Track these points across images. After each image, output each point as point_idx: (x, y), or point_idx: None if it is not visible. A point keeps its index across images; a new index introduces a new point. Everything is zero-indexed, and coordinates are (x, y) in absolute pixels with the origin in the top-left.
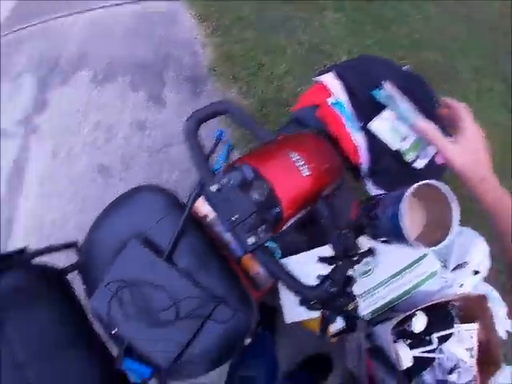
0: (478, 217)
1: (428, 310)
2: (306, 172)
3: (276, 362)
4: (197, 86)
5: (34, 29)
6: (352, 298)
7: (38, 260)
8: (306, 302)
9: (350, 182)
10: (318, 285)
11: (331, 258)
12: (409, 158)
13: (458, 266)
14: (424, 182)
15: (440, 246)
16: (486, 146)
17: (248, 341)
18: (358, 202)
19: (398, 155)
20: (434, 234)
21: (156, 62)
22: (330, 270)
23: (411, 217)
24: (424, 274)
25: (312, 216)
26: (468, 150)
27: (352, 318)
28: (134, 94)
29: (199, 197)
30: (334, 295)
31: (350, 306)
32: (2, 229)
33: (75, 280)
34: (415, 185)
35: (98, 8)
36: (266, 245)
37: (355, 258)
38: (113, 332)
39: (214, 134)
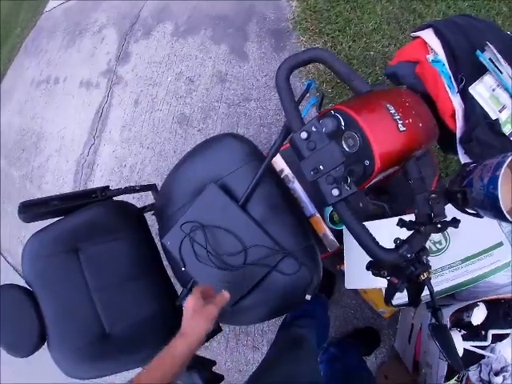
0: None
1: (489, 304)
2: (402, 127)
3: (327, 326)
4: (280, 41)
5: None
6: (427, 266)
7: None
8: (374, 267)
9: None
10: (394, 248)
11: (413, 222)
12: (506, 130)
13: None
14: None
15: None
16: None
17: (309, 297)
18: (438, 174)
19: (494, 125)
20: None
21: (238, 15)
22: (409, 235)
23: (506, 188)
24: (495, 264)
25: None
26: None
27: (419, 290)
28: (216, 47)
29: (281, 146)
30: (408, 262)
31: (424, 276)
32: (83, 170)
33: (152, 221)
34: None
35: None
36: (349, 199)
37: (439, 226)
38: (182, 269)
39: (304, 84)
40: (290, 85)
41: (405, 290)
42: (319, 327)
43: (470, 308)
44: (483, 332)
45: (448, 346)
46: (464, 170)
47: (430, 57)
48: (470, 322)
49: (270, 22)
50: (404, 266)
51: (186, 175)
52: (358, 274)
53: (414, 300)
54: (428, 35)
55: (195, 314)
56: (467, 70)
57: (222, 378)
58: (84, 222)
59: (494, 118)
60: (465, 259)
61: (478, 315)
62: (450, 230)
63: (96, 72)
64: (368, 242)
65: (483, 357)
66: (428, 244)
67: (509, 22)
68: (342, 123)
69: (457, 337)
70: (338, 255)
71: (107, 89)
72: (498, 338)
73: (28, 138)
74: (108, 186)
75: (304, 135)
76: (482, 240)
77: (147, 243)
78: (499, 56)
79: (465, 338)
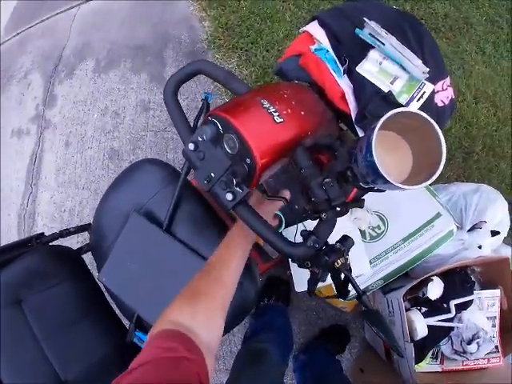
0: (495, 173)
1: (445, 276)
2: (279, 119)
3: (289, 334)
4: None
5: (34, 29)
6: (341, 253)
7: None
8: (297, 260)
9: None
10: (302, 241)
11: (315, 211)
12: (403, 99)
13: (475, 227)
14: (397, 110)
15: (428, 182)
16: None
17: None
18: None
19: (388, 97)
20: (421, 172)
21: (155, 42)
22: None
23: (396, 156)
24: (438, 235)
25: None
26: None
27: (339, 277)
28: (137, 77)
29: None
30: (319, 251)
31: (339, 263)
32: (26, 221)
33: (92, 261)
34: (388, 113)
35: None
36: (246, 201)
37: (339, 209)
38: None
39: (201, 96)
40: (177, 100)
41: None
42: (280, 338)
43: (423, 284)
44: (445, 305)
45: (384, 330)
46: (351, 146)
47: (313, 46)
48: (429, 298)
49: (186, 44)
50: (318, 256)
51: (111, 207)
52: (305, 275)
53: (339, 289)
54: (313, 27)
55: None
56: (352, 50)
57: None
58: (21, 271)
59: (386, 91)
60: (406, 238)
61: (433, 290)
62: (387, 212)
63: (25, 119)
64: (275, 240)
65: (452, 329)
66: (367, 230)
67: (417, 5)
68: (220, 127)
69: (417, 315)
70: (286, 261)
71: (38, 134)
72: (462, 307)
73: None
74: (43, 233)
75: (191, 146)
76: (419, 215)
77: (88, 283)
78: (379, 29)
79: (427, 314)
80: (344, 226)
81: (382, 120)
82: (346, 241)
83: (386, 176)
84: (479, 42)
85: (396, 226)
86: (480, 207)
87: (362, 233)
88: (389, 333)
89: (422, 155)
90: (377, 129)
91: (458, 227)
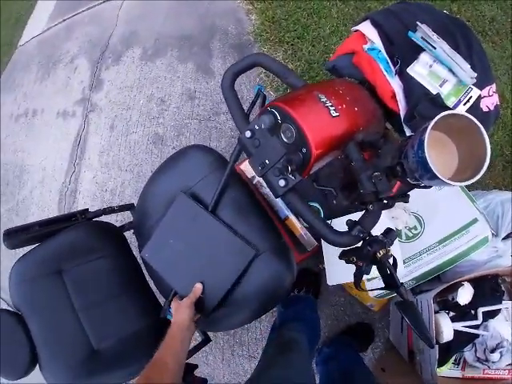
0: None
1: (475, 282)
2: (335, 113)
3: (317, 327)
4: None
5: (80, 17)
6: (383, 244)
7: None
8: (343, 255)
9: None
10: (347, 230)
11: (362, 202)
12: (450, 102)
13: (510, 236)
14: (449, 111)
15: (472, 180)
16: None
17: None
18: None
19: (437, 99)
20: (466, 172)
21: (202, 33)
22: (360, 216)
23: (443, 155)
24: (473, 240)
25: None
26: None
27: (385, 269)
28: (183, 66)
29: (241, 152)
30: (364, 242)
31: (380, 254)
32: (67, 199)
33: (131, 239)
34: (440, 114)
35: None
36: (296, 188)
37: (386, 201)
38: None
39: (254, 89)
40: (234, 91)
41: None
42: (309, 329)
43: (454, 288)
44: (473, 311)
45: (416, 321)
46: (401, 143)
47: (366, 46)
48: (458, 303)
49: (232, 36)
50: (361, 247)
51: (157, 190)
52: (338, 269)
53: (386, 281)
54: (365, 27)
55: (177, 307)
56: (404, 52)
57: (205, 381)
58: (64, 243)
59: (435, 93)
60: (441, 240)
61: (463, 295)
62: (424, 213)
63: (71, 101)
64: (321, 228)
65: (477, 336)
66: (403, 230)
67: (463, 8)
68: (278, 117)
69: (445, 319)
70: (319, 254)
71: (83, 117)
72: (489, 315)
73: (11, 172)
74: (87, 209)
75: (248, 134)
76: (456, 219)
77: (128, 260)
78: (431, 33)
79: (454, 319)
80: (383, 224)
81: (434, 120)
82: (389, 233)
83: (435, 171)
84: None
85: (432, 228)
86: None
87: (399, 232)
88: (421, 324)
89: (467, 155)
90: (429, 128)
91: (493, 234)
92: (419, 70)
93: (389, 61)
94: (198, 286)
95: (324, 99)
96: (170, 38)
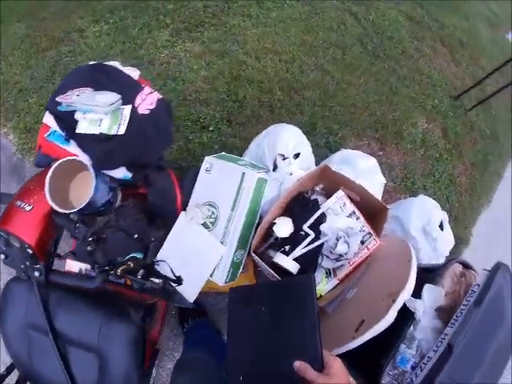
0: (297, 113)
1: (288, 212)
2: (28, 207)
3: (217, 338)
4: (20, 175)
5: None
6: (120, 264)
7: None
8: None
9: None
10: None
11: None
12: (115, 129)
13: (277, 163)
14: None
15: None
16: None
17: None
18: None
19: (100, 136)
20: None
21: None
22: None
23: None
24: (252, 188)
25: None
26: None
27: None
28: None
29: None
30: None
31: (119, 272)
32: None
33: None
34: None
35: None
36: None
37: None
38: None
39: None
40: None
41: None
42: (211, 344)
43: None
44: (302, 232)
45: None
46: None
47: (46, 134)
48: (281, 238)
49: (4, 163)
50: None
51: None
52: (186, 286)
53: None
54: (46, 117)
55: None
56: (69, 122)
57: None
58: None
59: (98, 133)
60: (232, 206)
61: (280, 228)
62: (211, 197)
63: None
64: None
65: (321, 246)
66: (206, 221)
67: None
68: (6, 236)
69: (280, 257)
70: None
71: None
72: (318, 223)
73: None
74: None
75: (3, 256)
76: (231, 183)
77: None
78: (70, 98)
79: (290, 250)
80: (189, 229)
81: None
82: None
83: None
84: (241, 12)
85: (221, 203)
86: (270, 145)
87: (204, 225)
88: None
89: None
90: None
91: (267, 171)
92: (82, 126)
93: (62, 134)
94: None
95: (19, 203)
96: None
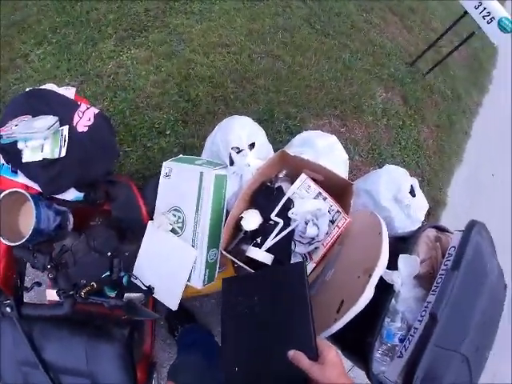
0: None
1: (253, 203)
2: None
3: (208, 339)
4: None
5: None
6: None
7: None
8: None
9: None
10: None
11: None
12: (57, 152)
13: (232, 157)
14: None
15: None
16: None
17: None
18: None
19: (46, 162)
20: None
21: None
22: None
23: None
24: (211, 186)
25: None
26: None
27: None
28: None
29: None
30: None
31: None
32: None
33: None
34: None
35: None
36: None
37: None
38: None
39: None
40: None
41: None
42: (202, 347)
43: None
44: (271, 222)
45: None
46: None
47: None
48: (251, 230)
49: None
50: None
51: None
52: (166, 294)
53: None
54: None
55: None
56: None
57: None
58: None
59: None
60: (196, 208)
61: (248, 221)
62: (175, 202)
63: None
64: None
65: (292, 232)
66: (174, 227)
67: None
68: None
69: (253, 251)
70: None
71: None
72: (286, 210)
73: None
74: None
75: None
76: (190, 185)
77: None
78: (11, 129)
79: (262, 241)
80: (159, 238)
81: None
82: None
83: None
84: (184, 10)
85: (185, 206)
86: (223, 138)
87: (173, 231)
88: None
89: None
90: None
91: (225, 167)
92: (27, 156)
93: (9, 167)
94: None
95: None
96: None
